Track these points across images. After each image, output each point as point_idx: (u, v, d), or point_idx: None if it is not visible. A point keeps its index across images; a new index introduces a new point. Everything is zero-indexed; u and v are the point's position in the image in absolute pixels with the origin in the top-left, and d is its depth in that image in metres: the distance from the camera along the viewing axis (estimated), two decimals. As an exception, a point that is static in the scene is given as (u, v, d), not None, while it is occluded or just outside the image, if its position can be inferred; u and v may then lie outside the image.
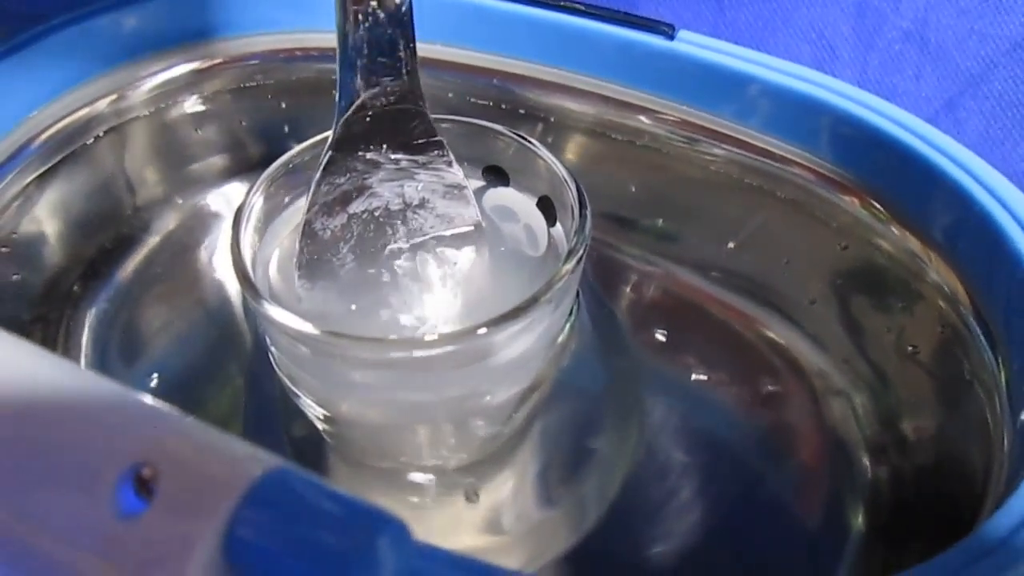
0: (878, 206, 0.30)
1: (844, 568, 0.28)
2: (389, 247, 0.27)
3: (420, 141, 0.26)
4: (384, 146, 0.26)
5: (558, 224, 0.28)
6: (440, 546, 0.17)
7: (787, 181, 0.32)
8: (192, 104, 0.37)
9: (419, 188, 0.27)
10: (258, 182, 0.27)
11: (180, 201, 0.37)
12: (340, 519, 0.15)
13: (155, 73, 0.36)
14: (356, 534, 0.15)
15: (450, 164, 0.27)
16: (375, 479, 0.30)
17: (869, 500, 0.29)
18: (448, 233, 0.28)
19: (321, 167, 0.26)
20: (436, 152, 0.27)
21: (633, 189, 0.36)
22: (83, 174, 0.35)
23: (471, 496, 0.29)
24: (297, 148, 0.27)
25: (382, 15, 0.24)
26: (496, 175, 0.29)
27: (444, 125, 0.27)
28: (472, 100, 0.36)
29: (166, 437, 0.16)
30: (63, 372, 0.16)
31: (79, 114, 0.34)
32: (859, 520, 0.28)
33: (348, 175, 0.26)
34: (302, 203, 0.27)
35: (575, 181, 0.26)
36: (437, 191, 0.27)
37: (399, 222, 0.27)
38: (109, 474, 0.15)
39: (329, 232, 0.26)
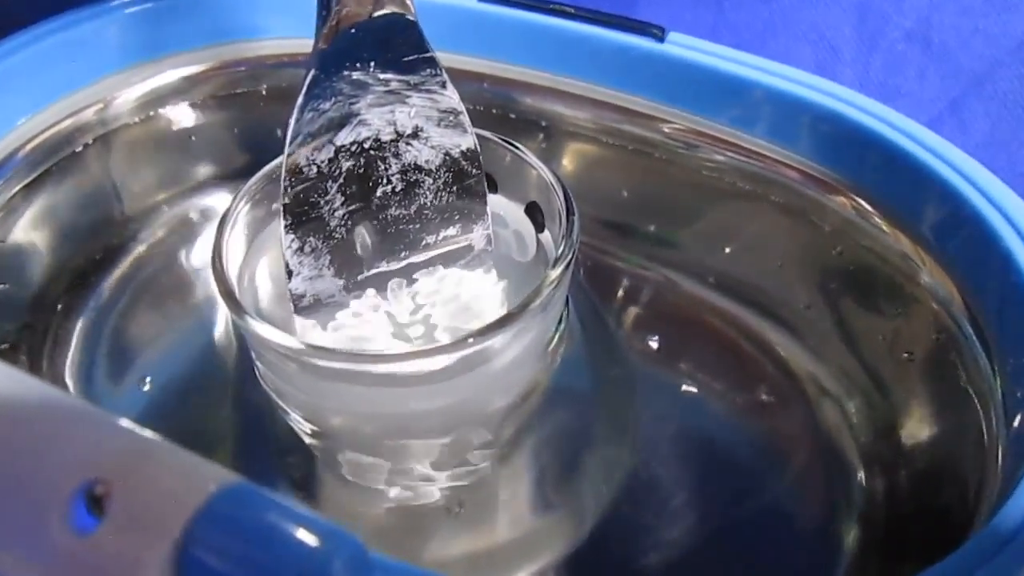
0: (870, 208, 0.29)
1: None
2: (381, 188, 0.26)
3: (411, 57, 0.24)
4: (372, 64, 0.24)
5: (546, 230, 0.28)
6: (404, 561, 0.16)
7: (780, 184, 0.32)
8: (181, 111, 0.37)
9: (411, 114, 0.25)
10: (242, 191, 0.26)
11: (169, 210, 0.37)
12: (296, 537, 0.15)
13: (142, 80, 0.35)
14: (312, 553, 0.14)
15: (444, 85, 0.25)
16: (360, 489, 0.29)
17: (863, 509, 0.28)
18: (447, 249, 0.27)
19: (304, 89, 0.23)
20: (428, 71, 0.25)
21: (626, 194, 0.36)
22: (70, 183, 0.34)
23: (454, 508, 0.29)
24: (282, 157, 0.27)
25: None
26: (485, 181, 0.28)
27: None
28: (464, 105, 0.35)
29: (120, 452, 0.15)
30: (16, 384, 0.16)
31: (66, 123, 0.34)
32: (853, 529, 0.28)
33: (333, 99, 0.24)
34: None
35: (562, 186, 0.26)
36: (431, 118, 0.25)
37: (391, 155, 0.25)
38: (62, 491, 0.15)
39: (315, 168, 0.24)
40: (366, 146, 0.24)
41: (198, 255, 0.36)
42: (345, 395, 0.24)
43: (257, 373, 0.26)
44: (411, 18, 0.24)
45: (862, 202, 0.29)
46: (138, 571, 0.14)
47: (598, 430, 0.31)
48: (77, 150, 0.34)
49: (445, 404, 0.24)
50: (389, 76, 0.24)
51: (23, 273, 0.33)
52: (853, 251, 0.30)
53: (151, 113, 0.36)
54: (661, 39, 0.32)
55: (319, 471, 0.30)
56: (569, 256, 0.24)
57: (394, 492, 0.29)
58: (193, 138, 0.37)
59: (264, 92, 0.37)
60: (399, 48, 0.24)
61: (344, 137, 0.24)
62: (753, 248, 0.33)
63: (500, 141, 0.28)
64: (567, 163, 0.36)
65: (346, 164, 0.24)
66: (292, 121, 0.24)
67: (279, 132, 0.36)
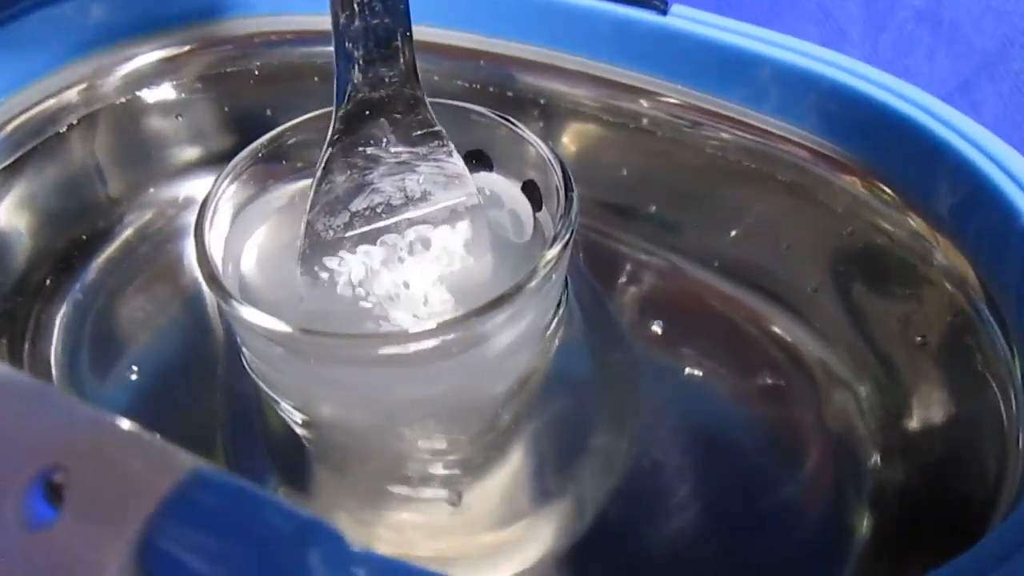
0: (883, 186, 0.28)
1: (848, 571, 0.26)
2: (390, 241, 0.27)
3: (420, 132, 0.26)
4: (384, 141, 0.26)
5: (544, 209, 0.27)
6: (397, 555, 0.15)
7: (787, 163, 0.31)
8: (167, 91, 0.36)
9: (420, 180, 0.26)
10: (225, 171, 0.25)
11: (155, 192, 0.36)
12: (268, 528, 0.13)
13: (128, 59, 0.35)
14: (286, 545, 0.13)
15: (450, 154, 0.26)
16: (353, 481, 0.29)
17: (874, 499, 0.28)
18: (440, 206, 0.27)
19: (321, 165, 0.25)
20: (436, 143, 0.26)
21: (626, 174, 0.35)
22: (53, 165, 0.34)
23: (454, 499, 0.28)
24: (269, 135, 0.26)
25: (377, 3, 0.24)
26: (479, 160, 0.28)
27: None
28: (459, 83, 0.35)
29: (80, 438, 0.14)
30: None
31: (48, 103, 0.33)
32: (864, 520, 0.27)
33: (349, 172, 0.25)
34: (278, 192, 0.27)
35: (560, 162, 0.25)
36: (439, 183, 0.26)
37: (401, 216, 0.27)
38: (18, 480, 0.14)
39: (332, 232, 0.26)
40: (378, 210, 0.26)
41: (186, 239, 0.36)
42: (335, 381, 0.24)
43: (244, 361, 0.25)
44: (419, 96, 0.25)
45: (874, 180, 0.28)
46: (98, 566, 0.13)
47: (599, 418, 0.31)
48: (60, 131, 0.34)
49: (440, 391, 0.24)
50: (400, 149, 0.26)
51: (3, 257, 0.32)
52: (864, 232, 0.29)
53: (137, 93, 0.35)
54: (664, 11, 0.31)
55: (310, 463, 0.29)
56: (567, 235, 0.23)
57: (388, 483, 0.28)
58: (180, 119, 0.37)
59: (256, 71, 0.36)
60: (409, 125, 0.26)
61: (358, 204, 0.26)
62: (759, 230, 0.33)
63: (495, 117, 0.27)
64: (566, 142, 0.35)
65: (359, 226, 0.26)
66: (311, 193, 0.25)
67: (269, 112, 0.36)
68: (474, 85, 0.35)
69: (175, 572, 0.13)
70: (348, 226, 0.26)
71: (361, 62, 0.24)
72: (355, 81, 0.24)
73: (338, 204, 0.25)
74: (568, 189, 0.24)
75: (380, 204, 0.26)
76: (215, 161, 0.37)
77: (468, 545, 0.28)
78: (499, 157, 0.27)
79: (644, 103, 0.33)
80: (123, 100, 0.35)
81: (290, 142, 0.27)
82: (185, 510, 0.13)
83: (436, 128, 0.26)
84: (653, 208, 0.35)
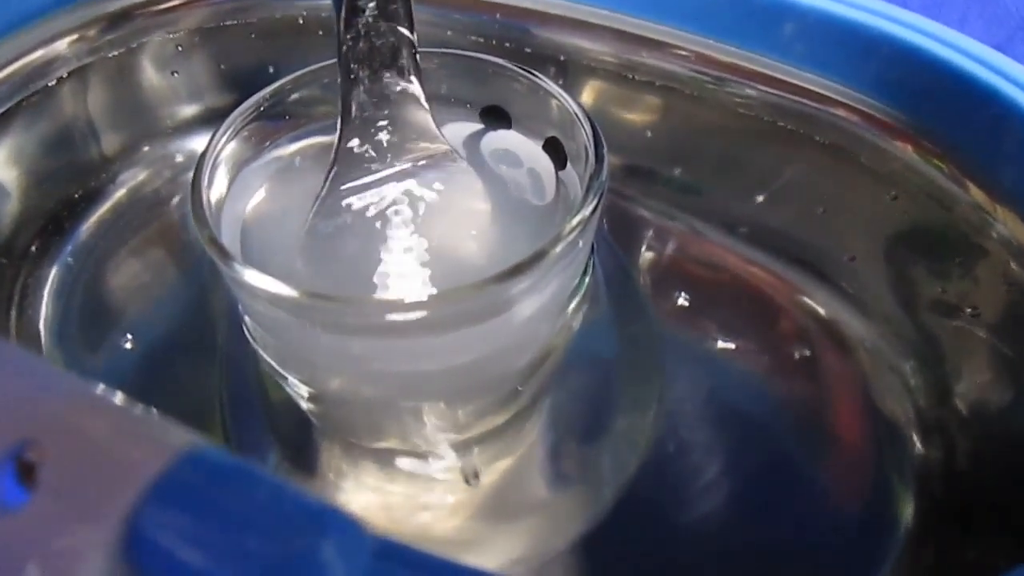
0: (936, 150, 0.27)
1: (890, 561, 0.25)
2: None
3: (425, 144, 0.25)
4: (389, 156, 0.25)
5: (569, 168, 0.25)
6: (411, 540, 0.14)
7: (828, 124, 0.29)
8: (163, 45, 0.35)
9: (428, 183, 0.26)
10: (225, 125, 0.24)
11: (150, 151, 0.35)
12: (274, 516, 0.12)
13: (122, 9, 0.33)
14: (294, 537, 0.12)
15: (455, 162, 0.26)
16: (364, 459, 0.28)
17: (919, 482, 0.27)
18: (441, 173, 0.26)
19: (327, 184, 0.25)
20: (444, 156, 0.26)
21: (650, 135, 0.33)
22: (43, 120, 0.32)
23: (470, 478, 0.27)
24: (270, 87, 0.25)
25: (382, 25, 0.24)
26: (496, 117, 0.27)
27: (435, 60, 0.26)
28: (473, 39, 0.34)
29: (57, 411, 0.12)
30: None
31: (37, 54, 0.32)
32: (908, 505, 0.26)
33: (353, 185, 0.25)
34: (280, 150, 0.26)
35: (589, 118, 0.24)
36: (447, 182, 0.26)
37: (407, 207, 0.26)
38: (-15, 457, 0.12)
39: (334, 227, 0.25)
40: (384, 206, 0.26)
41: (182, 200, 0.35)
42: (344, 352, 0.23)
43: (246, 331, 0.24)
44: (425, 112, 0.25)
45: (926, 142, 0.27)
46: (76, 556, 0.11)
47: (622, 394, 0.30)
48: (50, 84, 0.32)
49: (456, 363, 0.23)
50: (407, 165, 0.25)
51: (-11, 217, 0.31)
52: (911, 197, 0.28)
53: (131, 46, 0.34)
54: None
55: (316, 438, 0.29)
56: (597, 198, 0.22)
57: (400, 462, 0.28)
58: (176, 74, 0.35)
59: (256, 23, 0.35)
60: (414, 141, 0.25)
61: (362, 204, 0.25)
62: (794, 195, 0.31)
63: (516, 69, 0.26)
64: (586, 101, 0.34)
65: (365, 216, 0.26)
66: (314, 205, 0.25)
67: (270, 69, 0.34)
68: (490, 41, 0.34)
69: (165, 565, 0.12)
70: (360, 190, 0.25)
71: (366, 82, 0.24)
72: (359, 99, 0.24)
73: (343, 210, 0.25)
74: (598, 145, 0.23)
75: (386, 200, 0.25)
76: (212, 119, 0.36)
77: (485, 527, 0.27)
78: (518, 113, 0.26)
79: (669, 58, 0.31)
80: (116, 53, 0.34)
81: (292, 97, 0.26)
82: (178, 494, 0.12)
83: (444, 146, 0.26)
84: (678, 171, 0.34)
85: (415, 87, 0.25)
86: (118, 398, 0.13)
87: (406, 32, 0.24)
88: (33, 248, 0.32)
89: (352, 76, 0.24)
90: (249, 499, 0.12)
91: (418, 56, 0.24)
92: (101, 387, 0.13)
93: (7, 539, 0.12)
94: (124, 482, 0.12)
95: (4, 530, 0.12)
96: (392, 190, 0.25)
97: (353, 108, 0.25)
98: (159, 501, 0.12)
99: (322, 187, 0.25)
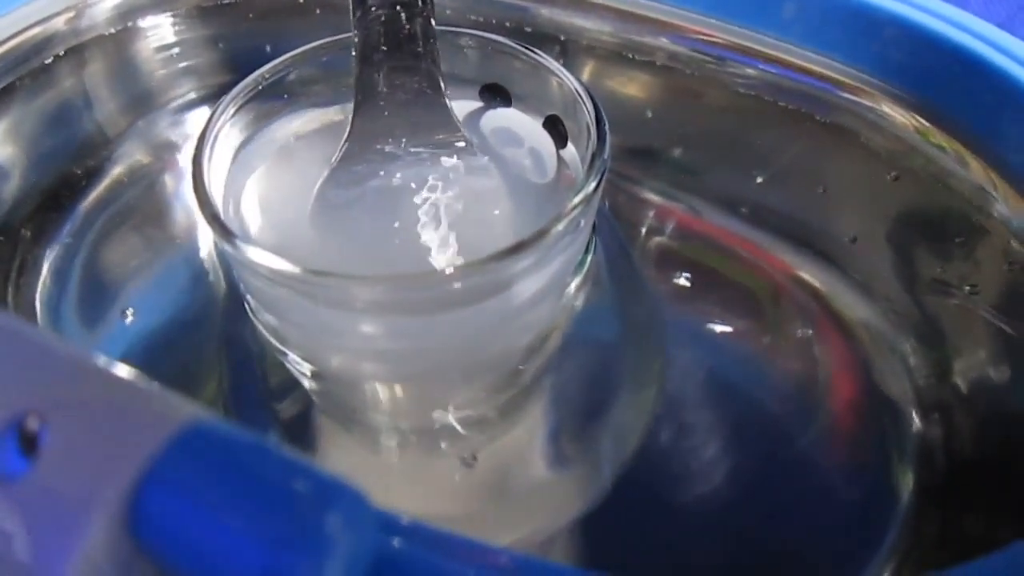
0: (938, 129, 0.27)
1: (891, 537, 0.25)
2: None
3: (441, 135, 0.25)
4: (403, 140, 0.25)
5: (569, 146, 0.25)
6: (413, 517, 0.14)
7: (828, 103, 0.29)
8: (161, 23, 0.35)
9: (441, 170, 0.25)
10: (226, 100, 0.24)
11: (148, 129, 0.35)
12: (280, 488, 0.12)
13: None
14: (300, 507, 0.12)
15: (474, 155, 0.25)
16: (363, 437, 0.28)
17: (920, 460, 0.27)
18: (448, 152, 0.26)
19: (338, 159, 0.25)
20: (459, 145, 0.25)
21: (650, 115, 0.33)
22: (40, 98, 0.32)
23: (468, 459, 0.27)
24: (271, 64, 0.25)
25: (400, 10, 0.24)
26: (496, 94, 0.27)
27: None
28: (473, 18, 0.34)
29: (59, 381, 0.12)
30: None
31: (34, 31, 0.32)
32: (908, 486, 0.26)
33: (365, 164, 0.25)
34: (281, 128, 0.26)
35: (590, 96, 0.24)
36: (459, 170, 0.25)
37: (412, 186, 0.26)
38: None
39: (340, 202, 0.25)
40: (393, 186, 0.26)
41: (181, 178, 0.34)
42: (347, 329, 0.23)
43: (248, 308, 0.24)
44: (443, 101, 0.25)
45: (927, 121, 0.27)
46: (76, 528, 0.11)
47: (623, 375, 0.30)
48: (47, 62, 0.32)
49: (457, 342, 0.23)
50: (420, 149, 0.25)
51: (-13, 194, 0.31)
52: (912, 177, 0.28)
53: (129, 24, 0.34)
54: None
55: (317, 418, 0.29)
56: (599, 176, 0.22)
57: (400, 441, 0.28)
58: (175, 52, 0.35)
59: (254, 1, 0.35)
60: (430, 127, 0.25)
61: (373, 183, 0.25)
62: (795, 175, 0.31)
63: (515, 46, 0.26)
64: (586, 81, 0.33)
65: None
66: (323, 178, 0.25)
67: (268, 48, 0.34)
68: (490, 20, 0.33)
69: (169, 536, 0.12)
70: (366, 170, 0.25)
71: (382, 63, 0.24)
72: (376, 81, 0.24)
73: (352, 185, 0.25)
74: (600, 123, 0.23)
75: (396, 182, 0.25)
76: (211, 99, 0.36)
77: (483, 507, 0.27)
78: (518, 91, 0.26)
79: (669, 38, 0.31)
80: (114, 31, 0.34)
81: (292, 75, 0.25)
82: (183, 466, 0.12)
83: (459, 133, 0.25)
84: (678, 151, 0.33)
85: (433, 70, 0.25)
86: (121, 369, 0.13)
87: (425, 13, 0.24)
88: (31, 225, 0.32)
89: (367, 56, 0.24)
90: (254, 471, 0.12)
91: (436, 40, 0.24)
92: (103, 358, 0.13)
93: (10, 510, 0.12)
94: (128, 453, 0.12)
95: (6, 500, 0.12)
96: (400, 169, 0.25)
97: (369, 86, 0.24)
98: (163, 473, 0.12)
99: (334, 160, 0.25)
